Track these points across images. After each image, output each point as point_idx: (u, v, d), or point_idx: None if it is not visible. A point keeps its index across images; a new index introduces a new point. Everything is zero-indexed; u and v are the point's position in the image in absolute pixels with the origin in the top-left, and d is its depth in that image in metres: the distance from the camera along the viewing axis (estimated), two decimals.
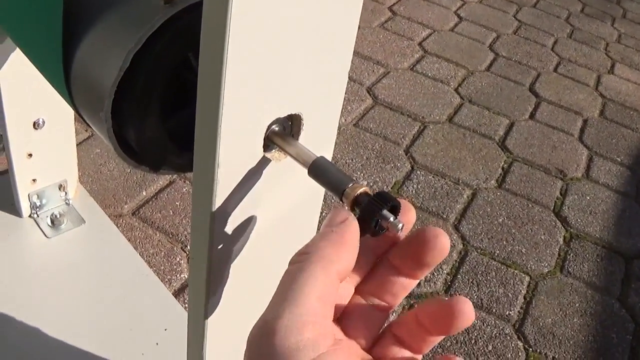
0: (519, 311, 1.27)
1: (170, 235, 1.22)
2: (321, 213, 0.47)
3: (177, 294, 1.11)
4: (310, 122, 0.40)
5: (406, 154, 1.65)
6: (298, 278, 0.29)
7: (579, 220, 1.58)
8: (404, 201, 0.34)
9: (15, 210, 0.96)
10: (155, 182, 1.34)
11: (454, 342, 1.17)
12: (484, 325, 1.22)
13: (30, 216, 0.96)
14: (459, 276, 1.31)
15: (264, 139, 0.38)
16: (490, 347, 1.18)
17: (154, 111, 0.42)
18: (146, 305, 0.89)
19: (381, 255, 0.35)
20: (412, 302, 1.23)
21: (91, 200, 1.02)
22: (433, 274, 1.30)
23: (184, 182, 1.36)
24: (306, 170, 0.37)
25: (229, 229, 0.39)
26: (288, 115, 0.38)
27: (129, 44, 0.39)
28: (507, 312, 1.26)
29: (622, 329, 1.30)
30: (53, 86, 0.47)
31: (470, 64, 2.22)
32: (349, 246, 0.31)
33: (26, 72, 0.79)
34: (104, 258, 0.95)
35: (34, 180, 0.93)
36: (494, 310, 1.26)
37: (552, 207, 1.60)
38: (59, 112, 0.88)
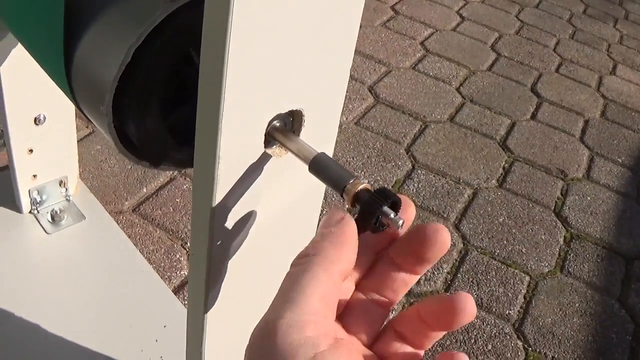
0: (518, 311, 1.27)
1: (171, 232, 1.22)
2: (322, 211, 0.47)
3: (176, 290, 1.11)
4: (311, 118, 0.40)
5: (407, 153, 1.65)
6: (300, 280, 0.29)
7: (579, 220, 1.58)
8: (404, 197, 0.34)
9: (15, 206, 0.96)
10: (155, 179, 1.34)
11: (454, 341, 1.17)
12: (483, 324, 1.22)
13: (30, 212, 0.96)
14: (459, 275, 1.31)
15: (265, 135, 0.38)
16: (489, 347, 1.18)
17: (155, 106, 0.42)
18: (146, 301, 0.89)
19: (381, 251, 0.35)
20: (412, 300, 1.23)
21: (91, 197, 1.02)
22: (433, 272, 1.30)
23: (185, 179, 1.36)
24: (307, 167, 0.37)
25: (229, 224, 0.39)
26: (289, 111, 0.38)
27: (131, 39, 0.39)
28: (507, 312, 1.26)
29: (622, 330, 1.30)
30: (54, 81, 0.47)
31: (472, 64, 2.22)
32: (349, 245, 0.31)
33: (27, 67, 0.79)
34: (104, 254, 0.95)
35: (34, 176, 0.93)
36: (493, 310, 1.26)
37: (553, 207, 1.60)
38: (60, 108, 0.88)
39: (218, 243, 0.39)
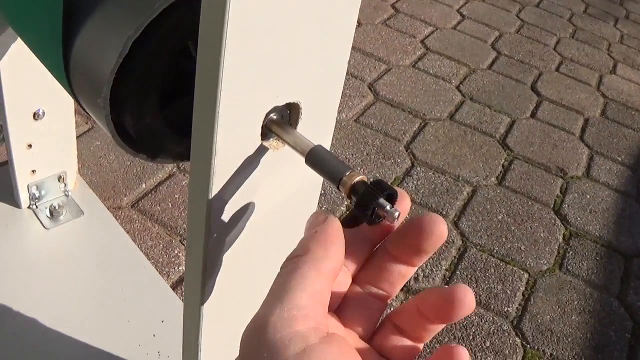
0: (517, 308, 1.27)
1: (169, 228, 1.22)
2: (320, 206, 0.47)
3: (174, 286, 1.11)
4: (308, 111, 0.40)
5: (406, 150, 1.65)
6: (289, 279, 0.29)
7: (578, 218, 1.58)
8: (399, 189, 0.34)
9: (14, 201, 0.96)
10: (154, 174, 1.34)
11: (452, 337, 1.17)
12: (482, 321, 1.22)
13: (29, 207, 0.96)
14: (457, 272, 1.31)
15: (262, 128, 0.38)
16: (488, 343, 1.18)
17: (152, 99, 0.42)
18: (144, 297, 0.89)
19: (377, 244, 0.35)
20: (410, 297, 1.23)
21: (90, 192, 1.02)
22: (432, 269, 1.30)
23: (184, 175, 1.36)
24: (304, 159, 0.37)
25: (226, 216, 0.39)
26: (286, 103, 0.38)
27: (129, 31, 0.39)
28: (506, 309, 1.26)
29: (621, 327, 1.30)
30: (52, 73, 0.47)
31: (472, 62, 2.22)
32: (335, 244, 0.31)
33: (27, 62, 0.79)
34: (103, 250, 0.95)
35: (33, 171, 0.93)
36: (492, 307, 1.26)
37: (552, 205, 1.60)
38: (59, 103, 0.88)
39: (214, 235, 0.39)
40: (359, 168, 1.53)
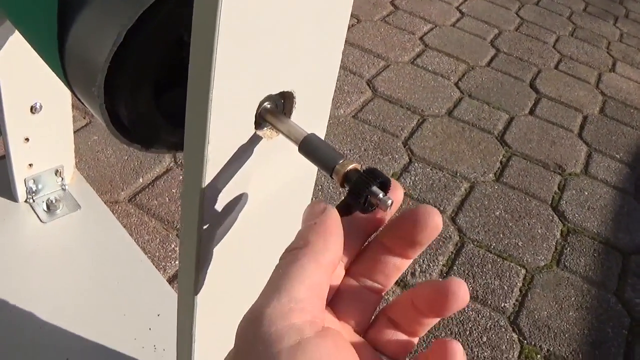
0: (514, 303, 1.27)
1: (166, 222, 1.22)
2: (314, 196, 0.47)
3: (171, 280, 1.11)
4: (302, 100, 0.40)
5: (404, 146, 1.65)
6: (288, 270, 0.29)
7: (576, 215, 1.58)
8: (392, 179, 0.34)
9: (11, 195, 0.96)
10: (152, 169, 1.34)
11: (449, 332, 1.18)
12: (478, 316, 1.22)
13: (26, 201, 0.96)
14: (454, 268, 1.31)
15: (256, 117, 0.38)
16: (484, 339, 1.18)
17: (147, 88, 0.42)
18: (140, 290, 0.89)
19: (370, 235, 0.35)
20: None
21: (87, 186, 1.02)
22: (429, 265, 1.30)
23: (181, 169, 1.36)
24: (297, 149, 0.37)
25: (219, 206, 0.39)
26: (280, 92, 0.38)
27: (123, 20, 0.39)
28: (503, 304, 1.26)
29: (618, 323, 1.30)
30: (47, 63, 0.47)
31: (471, 59, 2.22)
32: (334, 235, 0.31)
33: (23, 56, 0.79)
34: (99, 244, 0.95)
35: (30, 165, 0.93)
36: (489, 302, 1.26)
37: (550, 202, 1.60)
38: (56, 97, 0.88)
39: (208, 225, 0.39)
40: None
